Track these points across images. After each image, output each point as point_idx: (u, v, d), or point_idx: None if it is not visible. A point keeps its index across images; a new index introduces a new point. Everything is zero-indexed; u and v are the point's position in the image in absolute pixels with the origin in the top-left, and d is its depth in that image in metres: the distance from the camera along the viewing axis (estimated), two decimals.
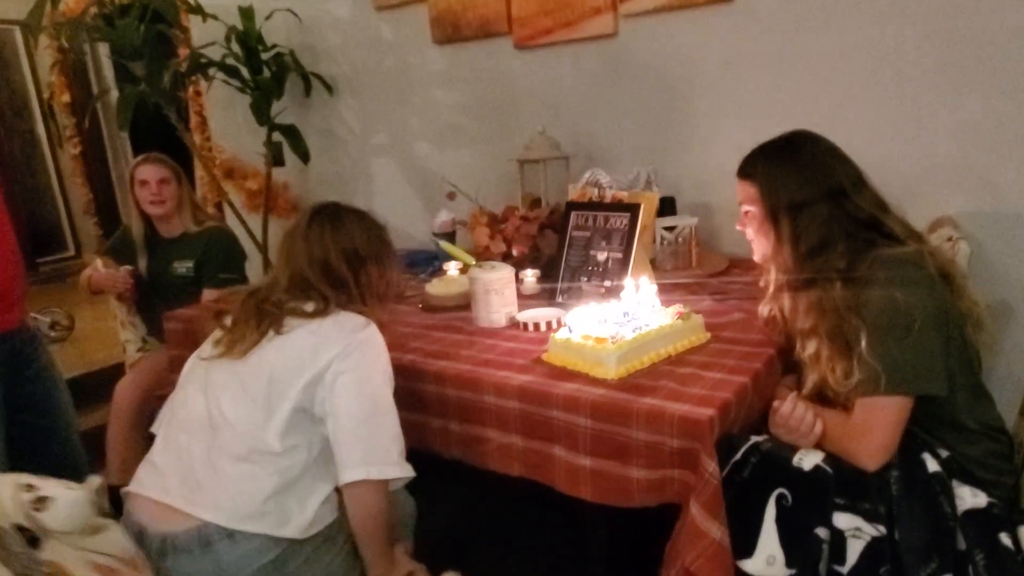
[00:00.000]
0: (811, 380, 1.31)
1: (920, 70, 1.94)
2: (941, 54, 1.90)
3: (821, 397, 1.31)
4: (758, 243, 1.40)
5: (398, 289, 1.60)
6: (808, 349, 1.30)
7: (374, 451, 1.31)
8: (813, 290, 1.27)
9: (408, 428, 1.58)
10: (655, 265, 2.06)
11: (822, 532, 1.16)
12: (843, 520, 1.15)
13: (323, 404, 1.31)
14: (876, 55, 1.99)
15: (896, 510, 1.13)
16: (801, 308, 1.31)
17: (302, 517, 1.28)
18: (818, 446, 1.24)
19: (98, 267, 2.46)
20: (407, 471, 1.34)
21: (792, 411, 1.23)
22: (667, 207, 2.19)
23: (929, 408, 1.21)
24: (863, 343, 1.18)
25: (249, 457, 1.29)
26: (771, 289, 1.40)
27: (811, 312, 1.28)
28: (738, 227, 1.45)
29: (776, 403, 1.26)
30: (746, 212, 1.40)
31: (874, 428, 1.17)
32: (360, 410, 1.31)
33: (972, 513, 1.16)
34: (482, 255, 2.18)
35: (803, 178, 1.29)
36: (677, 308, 1.53)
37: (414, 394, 1.55)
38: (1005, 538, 1.12)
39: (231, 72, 3.12)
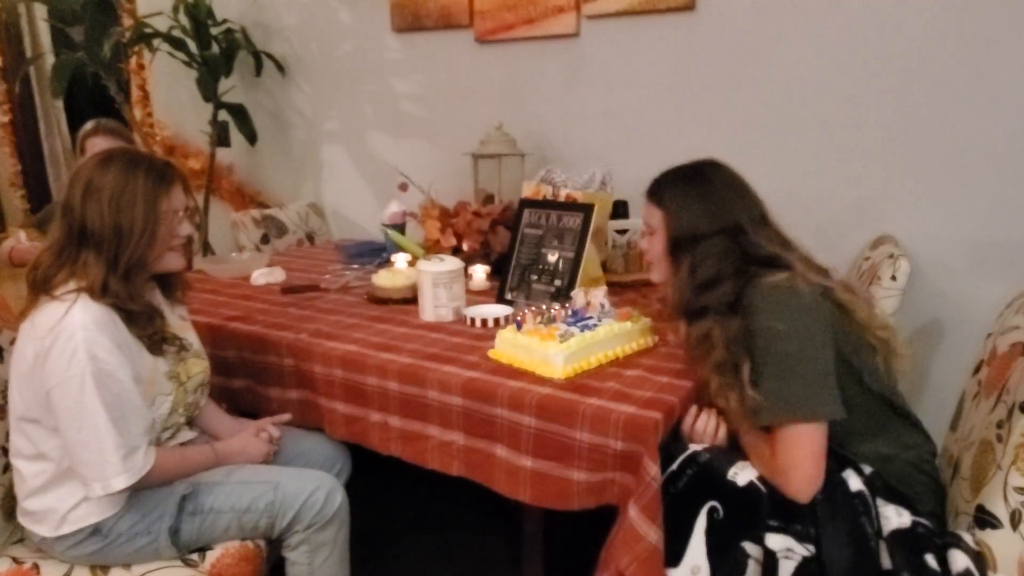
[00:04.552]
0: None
1: (869, 100, 1.99)
2: (894, 84, 1.96)
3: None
4: (658, 266, 1.41)
5: None
6: (702, 375, 1.31)
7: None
8: (702, 322, 1.28)
9: (346, 421, 1.54)
10: (606, 267, 2.06)
11: (750, 548, 1.16)
12: (775, 541, 1.14)
13: None
14: (829, 79, 2.04)
15: (821, 531, 1.14)
16: (691, 338, 1.31)
17: None
18: None
19: (20, 239, 2.32)
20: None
21: (693, 423, 1.29)
22: (620, 210, 2.19)
23: (842, 423, 1.20)
24: (745, 374, 1.20)
25: None
26: (668, 310, 1.42)
27: (701, 344, 1.29)
28: (642, 244, 1.46)
29: (693, 408, 1.30)
30: (651, 232, 1.40)
31: (795, 462, 1.15)
32: None
33: (898, 533, 1.16)
34: (432, 248, 2.14)
35: (707, 211, 1.31)
36: (626, 310, 1.52)
37: (354, 386, 1.50)
38: (931, 560, 1.12)
39: (177, 45, 2.98)
